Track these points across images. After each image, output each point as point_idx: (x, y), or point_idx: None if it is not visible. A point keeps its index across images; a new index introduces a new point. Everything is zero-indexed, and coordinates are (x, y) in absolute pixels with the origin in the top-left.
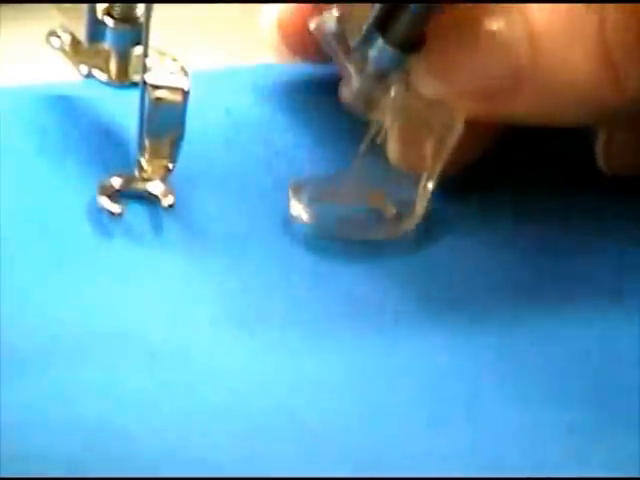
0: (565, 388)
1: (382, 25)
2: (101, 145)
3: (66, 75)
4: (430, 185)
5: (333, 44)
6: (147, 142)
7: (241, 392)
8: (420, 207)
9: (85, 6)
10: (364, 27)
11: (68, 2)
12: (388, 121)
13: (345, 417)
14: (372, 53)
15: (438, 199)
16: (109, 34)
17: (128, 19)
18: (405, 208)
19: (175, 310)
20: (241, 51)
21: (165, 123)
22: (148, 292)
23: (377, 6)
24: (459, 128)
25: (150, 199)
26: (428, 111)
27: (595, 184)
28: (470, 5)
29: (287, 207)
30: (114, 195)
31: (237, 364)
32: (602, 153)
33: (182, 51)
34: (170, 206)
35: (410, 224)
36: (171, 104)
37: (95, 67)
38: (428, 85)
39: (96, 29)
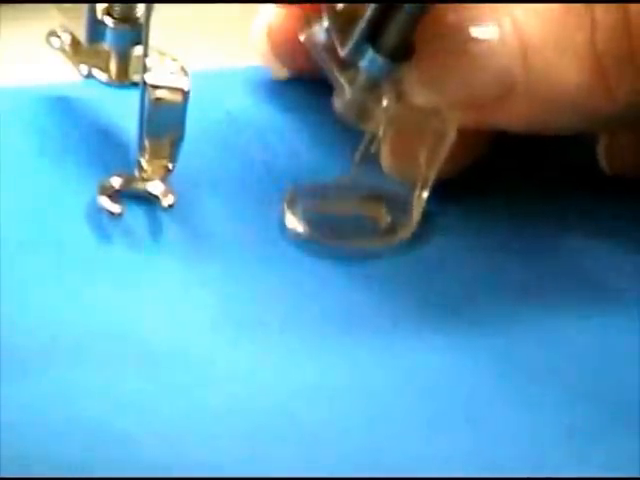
0: (565, 389)
1: (371, 35)
2: (101, 145)
3: (66, 75)
4: (425, 193)
5: (324, 55)
6: (147, 142)
7: (241, 394)
8: (416, 215)
9: (85, 6)
10: (353, 37)
11: (68, 2)
12: (381, 131)
13: (345, 420)
14: (363, 63)
15: (434, 202)
16: (109, 34)
17: (128, 19)
18: (401, 217)
19: (175, 312)
20: (241, 52)
21: (165, 123)
22: (148, 294)
23: (366, 16)
24: (452, 136)
25: (150, 199)
26: (421, 120)
27: (592, 185)
28: (460, 13)
29: (282, 212)
30: (114, 195)
31: (236, 366)
32: (604, 154)
33: (182, 51)
34: (170, 206)
35: (406, 233)
36: (171, 104)
37: (95, 67)
38: (420, 94)
39: (96, 29)
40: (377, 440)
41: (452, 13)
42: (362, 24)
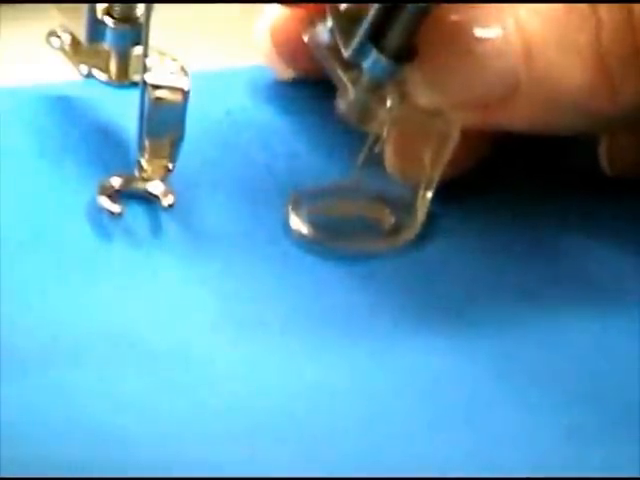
0: (564, 391)
1: (375, 36)
2: (101, 145)
3: (66, 75)
4: (429, 194)
5: (327, 56)
6: (147, 142)
7: (241, 394)
8: (419, 217)
9: (85, 6)
10: (357, 38)
11: (68, 2)
12: (385, 132)
13: (345, 420)
14: (366, 64)
15: (436, 204)
16: (109, 34)
17: (128, 19)
18: (404, 218)
19: (175, 312)
20: (241, 52)
21: (165, 123)
22: (148, 294)
23: (369, 17)
24: (455, 137)
25: (150, 199)
26: (424, 121)
27: (594, 187)
28: (463, 14)
29: (287, 214)
30: (114, 195)
31: (236, 366)
32: (605, 155)
33: (182, 51)
34: (170, 206)
35: (410, 234)
36: (171, 104)
37: (95, 67)
38: (423, 95)
39: (96, 29)
40: (377, 440)
41: (455, 14)
42: (365, 25)
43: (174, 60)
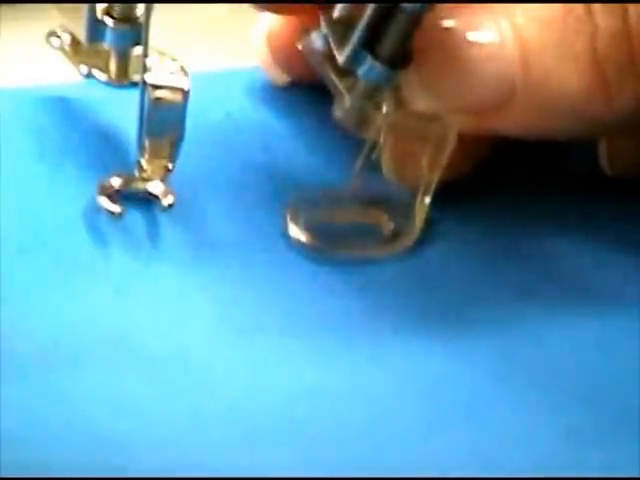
0: (564, 391)
1: (369, 42)
2: (101, 145)
3: (66, 75)
4: (427, 199)
5: (322, 63)
6: (147, 142)
7: (239, 399)
8: (418, 221)
9: (85, 6)
10: (351, 45)
11: (68, 2)
12: (382, 137)
13: (344, 423)
14: (361, 71)
15: (433, 209)
16: (109, 34)
17: (128, 19)
18: (403, 223)
19: (174, 317)
20: (241, 52)
21: (165, 123)
22: (147, 298)
23: (363, 23)
24: (452, 141)
25: (150, 199)
26: (421, 126)
27: (593, 187)
28: (459, 19)
29: (285, 221)
30: (114, 195)
31: (236, 371)
32: (604, 155)
33: (182, 51)
34: (170, 206)
35: (408, 240)
36: (171, 104)
37: (95, 67)
38: (419, 100)
39: (96, 29)
40: (377, 443)
41: (451, 19)
42: (359, 31)
43: (174, 60)
